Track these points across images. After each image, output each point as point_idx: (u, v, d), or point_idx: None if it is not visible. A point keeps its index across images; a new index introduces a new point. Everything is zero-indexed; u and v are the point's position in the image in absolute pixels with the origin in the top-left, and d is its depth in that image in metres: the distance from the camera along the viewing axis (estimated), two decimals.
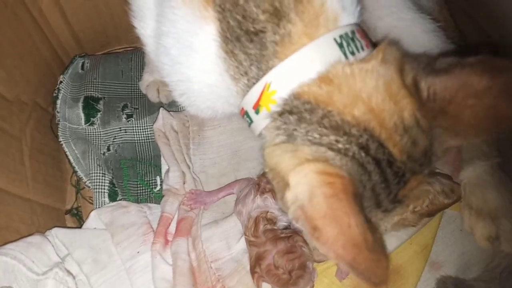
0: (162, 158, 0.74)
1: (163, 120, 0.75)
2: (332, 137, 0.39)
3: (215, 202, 0.69)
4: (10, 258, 0.57)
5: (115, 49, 0.90)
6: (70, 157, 0.75)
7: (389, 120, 0.39)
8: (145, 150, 0.78)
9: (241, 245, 0.65)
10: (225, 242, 0.65)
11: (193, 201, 0.68)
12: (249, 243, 0.61)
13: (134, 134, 0.78)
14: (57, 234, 0.65)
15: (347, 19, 0.43)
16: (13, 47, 0.69)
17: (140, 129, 0.78)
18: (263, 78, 0.42)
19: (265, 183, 0.63)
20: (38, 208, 0.69)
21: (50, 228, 0.66)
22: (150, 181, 0.76)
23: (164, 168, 0.74)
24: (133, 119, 0.78)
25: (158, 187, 0.75)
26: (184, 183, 0.70)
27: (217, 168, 0.73)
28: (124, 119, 0.78)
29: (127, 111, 0.79)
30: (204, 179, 0.72)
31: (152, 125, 0.76)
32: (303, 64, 0.41)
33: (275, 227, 0.61)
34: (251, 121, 0.46)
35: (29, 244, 0.61)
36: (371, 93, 0.39)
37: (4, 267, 0.57)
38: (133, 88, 0.82)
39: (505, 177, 0.63)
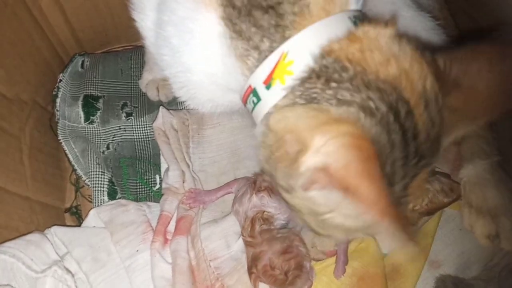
0: (161, 157, 0.74)
1: (163, 118, 0.75)
2: (364, 94, 0.37)
3: (214, 201, 0.69)
4: (9, 256, 0.57)
5: (115, 48, 0.90)
6: (70, 156, 0.75)
7: (417, 83, 0.38)
8: (145, 149, 0.78)
9: (240, 243, 0.64)
10: (224, 241, 0.65)
11: (192, 200, 0.68)
12: (246, 244, 0.61)
13: (133, 133, 0.78)
14: (56, 232, 0.64)
15: (355, 5, 0.44)
16: (12, 46, 0.69)
17: (139, 128, 0.78)
18: (278, 48, 0.41)
19: (261, 181, 0.63)
20: (37, 207, 0.69)
21: (50, 227, 0.66)
22: (150, 180, 0.75)
23: (163, 166, 0.74)
24: (132, 118, 0.78)
25: (158, 186, 0.75)
26: (183, 182, 0.70)
27: (216, 167, 0.73)
28: (124, 118, 0.78)
29: (126, 109, 0.79)
30: (203, 178, 0.72)
31: (152, 124, 0.76)
32: (328, 29, 0.40)
33: (272, 227, 0.61)
34: (258, 100, 0.43)
35: (28, 242, 0.61)
36: (400, 55, 0.38)
37: (3, 265, 0.57)
38: (132, 86, 0.82)
39: (505, 176, 0.63)
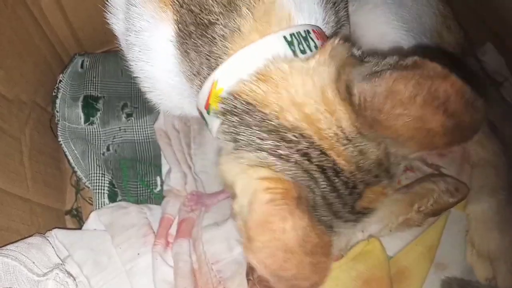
0: (162, 158, 0.74)
1: (165, 119, 0.74)
2: (272, 142, 0.37)
3: (215, 204, 0.68)
4: (11, 259, 0.57)
5: (115, 47, 0.89)
6: (70, 157, 0.74)
7: (327, 130, 0.37)
8: (145, 150, 0.77)
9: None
10: (226, 244, 0.64)
11: (193, 202, 0.67)
12: None
13: (133, 134, 0.78)
14: (57, 235, 0.64)
15: (303, 19, 0.42)
16: (12, 46, 0.68)
17: (140, 129, 0.78)
18: (211, 75, 0.41)
19: None
20: (38, 209, 0.68)
21: (50, 229, 0.65)
22: (150, 182, 0.75)
23: (164, 168, 0.73)
24: (132, 119, 0.78)
25: (159, 188, 0.74)
26: (185, 184, 0.69)
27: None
28: (124, 119, 0.78)
29: (126, 110, 0.78)
30: (205, 179, 0.71)
31: (152, 125, 0.76)
32: (246, 60, 0.39)
33: None
34: (206, 123, 0.44)
35: (29, 245, 0.60)
36: (306, 99, 0.37)
37: (5, 268, 0.57)
38: (133, 86, 0.81)
39: (511, 213, 0.62)
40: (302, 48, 0.40)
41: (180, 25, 0.43)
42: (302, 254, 0.33)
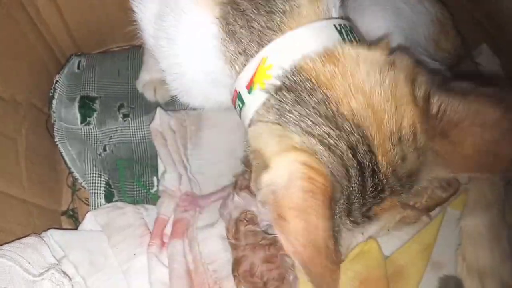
0: (158, 159, 0.73)
1: (160, 119, 0.74)
2: (325, 128, 0.37)
3: (209, 204, 0.68)
4: (7, 259, 0.57)
5: (112, 48, 0.89)
6: (66, 158, 0.74)
7: (386, 123, 0.37)
8: (142, 150, 0.77)
9: None
10: (221, 244, 0.63)
11: (187, 203, 0.67)
12: (231, 246, 0.60)
13: (130, 134, 0.77)
14: (53, 235, 0.64)
15: (335, 14, 0.43)
16: (8, 47, 0.68)
17: (136, 129, 0.78)
18: (261, 51, 0.41)
19: (241, 180, 0.62)
20: (34, 210, 0.68)
21: (46, 230, 0.65)
22: (147, 182, 0.75)
23: (160, 168, 0.73)
24: (129, 119, 0.78)
25: (155, 188, 0.74)
26: (180, 185, 0.69)
27: (214, 168, 0.72)
28: (121, 119, 0.78)
29: (123, 110, 0.78)
30: (201, 180, 0.71)
31: (149, 125, 0.75)
32: (309, 38, 0.39)
33: (258, 229, 0.59)
34: (243, 104, 0.43)
35: (25, 245, 0.60)
36: (374, 87, 0.37)
37: (1, 268, 0.56)
38: (129, 87, 0.81)
39: (503, 230, 0.63)
40: (350, 39, 0.41)
41: (226, 6, 0.42)
42: (324, 257, 0.34)
